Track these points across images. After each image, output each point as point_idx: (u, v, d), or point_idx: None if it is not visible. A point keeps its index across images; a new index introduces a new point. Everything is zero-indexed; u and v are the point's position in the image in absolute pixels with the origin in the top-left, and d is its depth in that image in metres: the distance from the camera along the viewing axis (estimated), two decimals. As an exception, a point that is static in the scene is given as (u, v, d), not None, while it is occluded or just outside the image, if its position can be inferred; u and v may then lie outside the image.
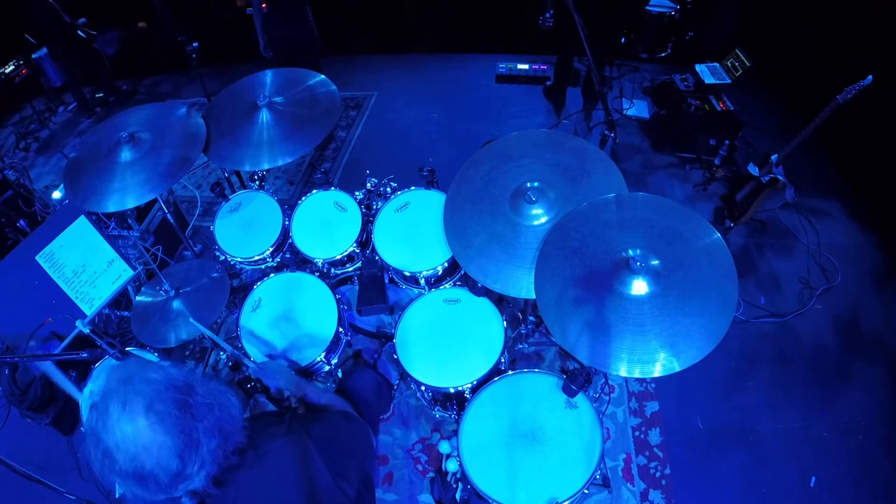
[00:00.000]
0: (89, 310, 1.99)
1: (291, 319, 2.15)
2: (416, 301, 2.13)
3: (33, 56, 5.06)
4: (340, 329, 2.15)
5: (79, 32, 4.59)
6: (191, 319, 1.99)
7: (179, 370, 1.03)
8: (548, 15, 3.60)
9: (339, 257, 2.36)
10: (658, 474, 2.18)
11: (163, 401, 0.94)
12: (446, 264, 2.18)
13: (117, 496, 1.01)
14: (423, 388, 1.98)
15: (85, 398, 1.86)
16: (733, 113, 3.40)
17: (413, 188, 2.42)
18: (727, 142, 3.31)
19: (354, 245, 2.36)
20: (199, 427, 0.96)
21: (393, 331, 2.05)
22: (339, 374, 2.23)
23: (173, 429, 0.93)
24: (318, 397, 1.53)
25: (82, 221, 2.01)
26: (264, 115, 2.26)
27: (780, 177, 2.69)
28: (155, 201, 2.80)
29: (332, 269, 2.45)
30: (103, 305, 2.04)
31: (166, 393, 0.95)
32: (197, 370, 1.06)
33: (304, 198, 2.53)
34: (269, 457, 1.12)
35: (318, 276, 2.26)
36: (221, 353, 2.51)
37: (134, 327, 2.17)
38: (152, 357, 2.06)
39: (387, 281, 2.45)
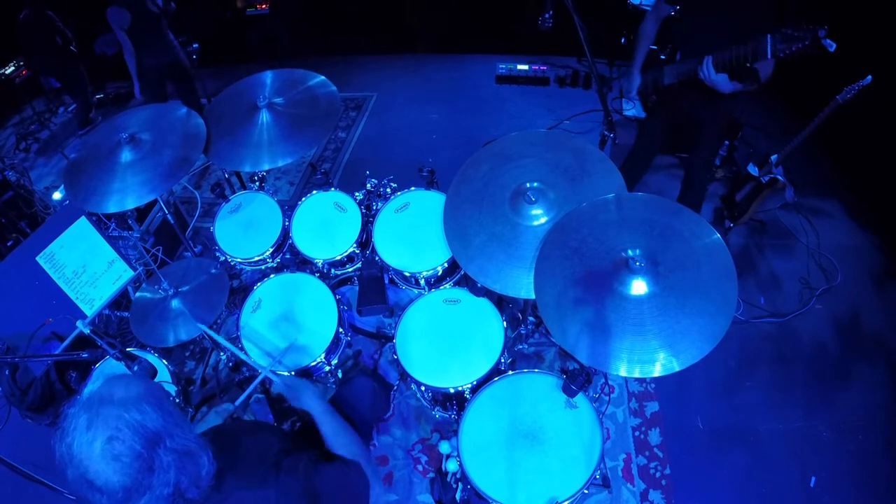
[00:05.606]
0: (90, 310, 1.99)
1: (291, 320, 2.15)
2: (416, 301, 2.13)
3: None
4: (340, 329, 2.15)
5: (70, 48, 4.49)
6: (194, 321, 1.99)
7: (162, 417, 0.99)
8: (547, 15, 3.59)
9: (339, 258, 2.36)
10: (658, 474, 2.18)
11: (122, 441, 0.92)
12: (446, 265, 2.19)
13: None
14: (423, 388, 1.98)
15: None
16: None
17: (413, 188, 2.43)
18: (727, 142, 3.31)
19: (354, 246, 2.36)
20: (152, 479, 0.94)
21: (393, 331, 2.06)
22: (340, 375, 2.23)
23: (123, 469, 0.92)
24: (334, 440, 1.46)
25: (83, 222, 2.01)
26: (264, 116, 2.26)
27: (779, 177, 2.69)
28: (155, 202, 2.80)
29: (332, 270, 2.45)
30: (104, 306, 2.04)
31: (132, 437, 0.93)
32: (185, 418, 1.03)
33: (303, 198, 2.53)
34: None
35: (319, 277, 2.26)
36: (222, 353, 2.52)
37: (133, 326, 2.17)
38: (155, 360, 2.06)
39: (387, 281, 2.46)
